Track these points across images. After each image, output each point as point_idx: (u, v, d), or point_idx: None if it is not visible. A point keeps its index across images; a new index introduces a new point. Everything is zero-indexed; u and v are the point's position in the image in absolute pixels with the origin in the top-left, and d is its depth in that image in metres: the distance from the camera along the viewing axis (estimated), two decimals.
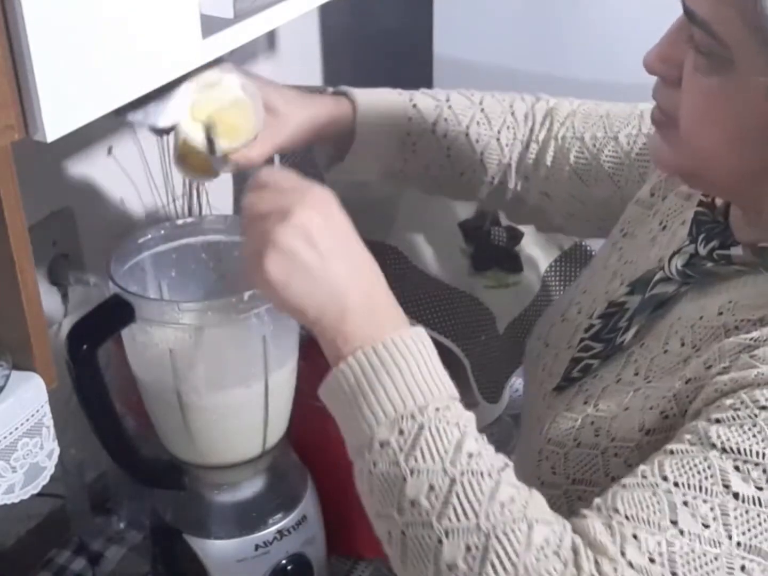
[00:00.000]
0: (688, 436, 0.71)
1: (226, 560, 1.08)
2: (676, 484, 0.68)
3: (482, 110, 1.13)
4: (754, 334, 0.74)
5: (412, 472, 0.71)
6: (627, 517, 0.68)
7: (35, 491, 0.86)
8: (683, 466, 0.69)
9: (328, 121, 1.07)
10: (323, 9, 1.59)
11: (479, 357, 1.33)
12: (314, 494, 1.14)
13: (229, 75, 0.98)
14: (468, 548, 0.68)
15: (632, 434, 0.81)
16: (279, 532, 1.09)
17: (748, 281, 0.81)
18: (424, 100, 1.12)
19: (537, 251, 1.44)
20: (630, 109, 1.10)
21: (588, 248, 1.45)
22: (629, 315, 0.90)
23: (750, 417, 0.68)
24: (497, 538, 0.67)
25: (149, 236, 1.06)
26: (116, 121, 0.89)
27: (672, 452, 0.70)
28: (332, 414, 0.77)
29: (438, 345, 1.27)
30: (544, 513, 0.70)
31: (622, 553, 0.66)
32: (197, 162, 0.99)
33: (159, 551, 1.15)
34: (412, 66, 1.63)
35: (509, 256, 1.40)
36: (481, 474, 0.70)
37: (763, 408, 0.69)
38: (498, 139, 1.13)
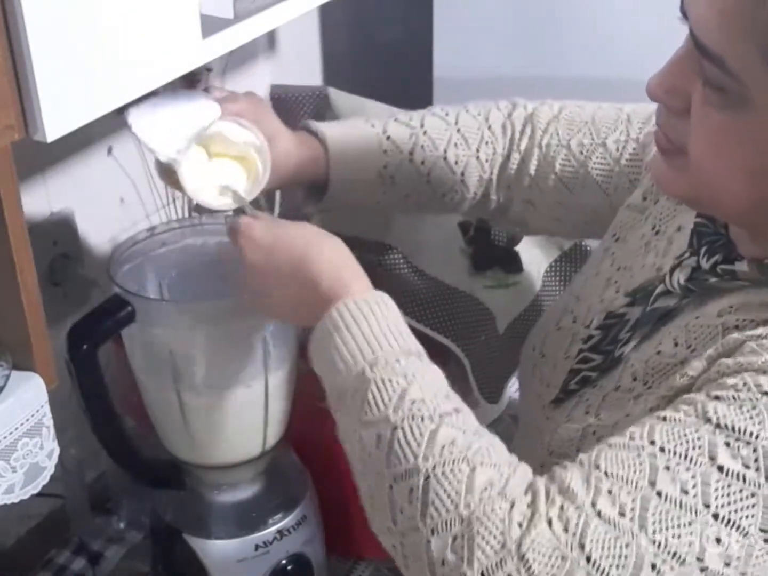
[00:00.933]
0: (684, 407, 0.71)
1: (226, 560, 1.07)
2: (662, 449, 0.68)
3: (458, 130, 1.11)
4: (761, 330, 0.74)
5: (364, 426, 0.75)
6: (606, 474, 0.68)
7: (35, 491, 0.86)
8: (673, 434, 0.69)
9: (305, 168, 1.06)
10: (323, 9, 1.59)
11: (479, 357, 1.33)
12: (314, 494, 1.14)
13: (242, 129, 0.96)
14: (411, 490, 0.70)
15: None
16: (279, 532, 1.09)
17: (750, 291, 0.80)
18: (397, 130, 1.10)
19: (537, 251, 1.44)
20: (616, 112, 1.07)
21: (588, 248, 1.45)
22: (630, 327, 0.89)
23: (750, 400, 0.68)
24: (436, 478, 0.69)
25: (149, 236, 1.06)
26: (116, 121, 0.89)
27: (665, 419, 0.71)
28: (316, 370, 0.83)
29: (438, 345, 1.29)
30: (492, 456, 0.71)
31: (593, 504, 0.67)
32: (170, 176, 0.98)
33: (159, 551, 1.15)
34: (412, 65, 1.63)
35: (509, 256, 1.40)
36: (422, 418, 0.73)
37: (766, 393, 0.68)
38: (477, 157, 1.11)
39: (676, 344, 0.83)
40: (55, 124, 0.72)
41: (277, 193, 1.33)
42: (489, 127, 1.12)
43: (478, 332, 1.34)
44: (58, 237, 1.18)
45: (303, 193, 1.11)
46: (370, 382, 0.75)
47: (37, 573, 1.25)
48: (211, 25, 0.84)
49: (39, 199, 1.16)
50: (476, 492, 0.68)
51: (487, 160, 1.11)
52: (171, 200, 1.28)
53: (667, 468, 0.68)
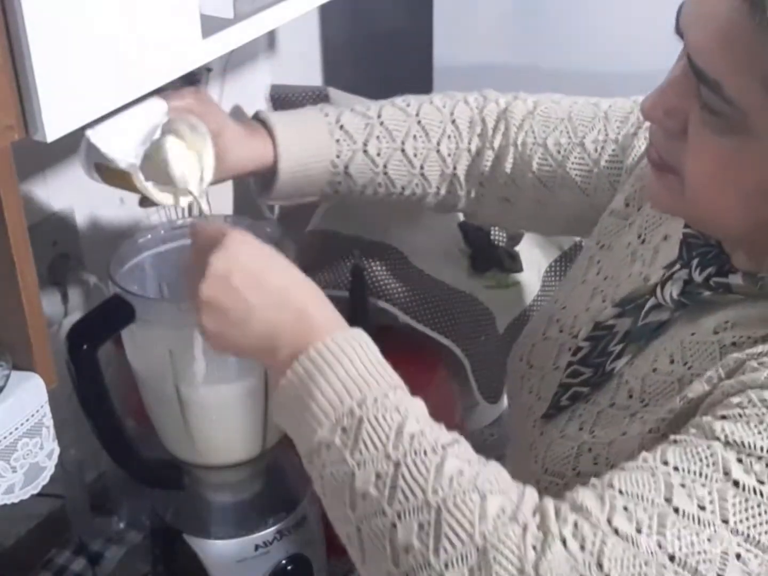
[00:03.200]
0: (692, 430, 0.70)
1: (226, 560, 1.08)
2: (675, 468, 0.68)
3: (419, 122, 1.08)
4: (759, 348, 0.73)
5: (358, 465, 0.71)
6: (621, 492, 0.67)
7: (35, 491, 0.86)
8: (685, 453, 0.68)
9: (258, 166, 1.04)
10: (323, 9, 1.59)
11: (479, 357, 1.33)
12: (314, 494, 1.14)
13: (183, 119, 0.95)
14: (421, 526, 0.67)
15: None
16: (279, 532, 1.09)
17: (747, 305, 0.79)
18: (352, 120, 1.07)
19: (537, 251, 1.44)
20: (592, 110, 1.06)
21: None
22: (619, 339, 0.88)
23: (757, 415, 0.68)
24: (448, 511, 0.67)
25: (149, 236, 1.06)
26: None
27: (675, 441, 0.70)
28: (286, 431, 0.77)
29: (438, 345, 1.29)
30: (499, 483, 0.69)
31: (609, 520, 0.65)
32: (117, 180, 0.97)
33: (159, 551, 1.15)
34: (412, 65, 1.63)
35: (509, 256, 1.40)
36: (425, 452, 0.70)
37: None
38: (438, 151, 1.08)
39: (672, 361, 0.82)
40: (55, 124, 0.73)
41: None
42: (453, 122, 1.09)
43: (478, 332, 1.34)
44: (58, 237, 1.18)
45: (256, 184, 1.09)
46: (362, 420, 0.71)
47: (37, 573, 1.25)
48: (211, 25, 0.84)
49: (39, 199, 1.16)
50: (489, 520, 0.66)
51: (449, 155, 1.09)
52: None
53: (683, 485, 0.67)
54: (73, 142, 0.86)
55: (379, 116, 1.08)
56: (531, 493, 0.69)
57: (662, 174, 0.79)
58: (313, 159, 1.06)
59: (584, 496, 0.68)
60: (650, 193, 0.84)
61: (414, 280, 1.30)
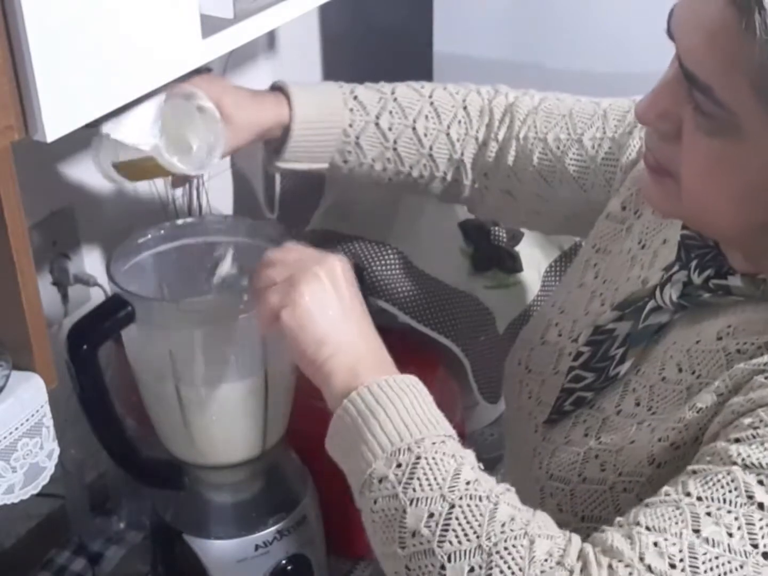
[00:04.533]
0: (708, 457, 0.70)
1: (226, 560, 1.08)
2: (699, 498, 0.68)
3: (431, 104, 1.10)
4: (766, 358, 0.73)
5: (411, 503, 0.71)
6: (648, 528, 0.67)
7: (35, 491, 0.86)
8: (706, 482, 0.68)
9: (272, 124, 1.05)
10: (323, 9, 1.59)
11: (479, 357, 1.33)
12: (314, 494, 1.14)
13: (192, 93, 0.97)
14: (471, 569, 0.68)
15: (641, 468, 0.79)
16: (279, 532, 1.09)
17: (747, 308, 0.79)
18: (366, 93, 1.09)
19: (537, 251, 1.44)
20: (593, 107, 1.07)
21: None
22: (620, 343, 0.88)
23: None
24: (499, 554, 0.68)
25: (149, 236, 1.06)
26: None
27: (694, 472, 0.70)
28: (337, 462, 0.79)
29: (438, 345, 1.29)
30: (547, 529, 0.70)
31: (641, 558, 0.66)
32: (138, 171, 0.99)
33: (159, 551, 1.15)
34: (413, 67, 1.63)
35: (509, 256, 1.40)
36: (480, 498, 0.71)
37: None
38: (448, 134, 1.10)
39: (680, 370, 0.82)
40: (55, 124, 0.73)
41: (277, 177, 1.33)
42: (464, 108, 1.11)
43: (478, 332, 1.34)
44: (58, 237, 1.18)
45: (267, 150, 1.10)
46: (420, 459, 0.73)
47: (37, 573, 1.25)
48: (211, 25, 0.84)
49: (39, 199, 1.16)
50: (537, 564, 0.67)
51: (458, 140, 1.10)
52: (171, 200, 1.28)
53: (708, 514, 0.67)
54: (73, 142, 0.86)
55: (392, 93, 1.10)
56: (576, 540, 0.70)
57: (658, 177, 0.79)
58: (327, 124, 1.07)
59: (613, 537, 0.68)
60: (648, 196, 0.84)
61: (414, 280, 1.30)
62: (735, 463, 0.68)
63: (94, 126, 0.88)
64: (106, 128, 0.90)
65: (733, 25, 0.67)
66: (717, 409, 0.75)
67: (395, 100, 1.09)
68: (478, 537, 0.69)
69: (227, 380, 1.02)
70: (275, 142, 1.07)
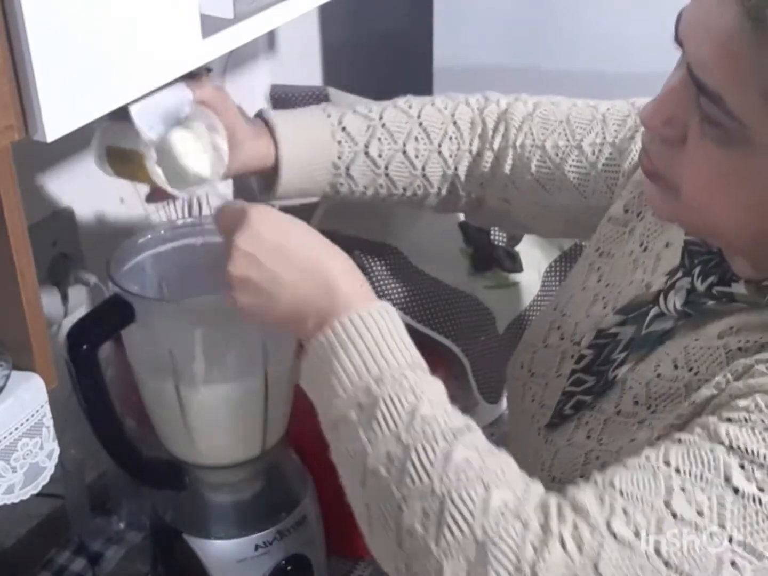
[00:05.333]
0: (698, 429, 0.70)
1: (226, 560, 1.08)
2: (677, 471, 0.68)
3: (420, 124, 1.08)
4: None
5: (371, 444, 0.72)
6: (621, 493, 0.68)
7: (35, 491, 0.86)
8: (688, 455, 0.68)
9: (259, 164, 1.04)
10: (323, 9, 1.59)
11: (479, 357, 1.33)
12: (314, 494, 1.14)
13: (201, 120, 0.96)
14: (425, 512, 0.69)
15: None
16: (279, 532, 1.09)
17: (752, 312, 0.78)
18: (354, 122, 1.07)
19: (537, 251, 1.44)
20: (591, 112, 1.05)
21: None
22: (623, 347, 0.88)
23: (763, 422, 0.68)
24: (452, 501, 0.68)
25: (149, 236, 1.06)
26: None
27: (680, 440, 0.70)
28: (311, 398, 0.80)
29: (438, 345, 1.29)
30: (505, 476, 0.70)
31: (608, 523, 0.66)
32: (125, 167, 0.99)
33: (159, 551, 1.15)
34: (412, 66, 1.63)
35: (509, 256, 1.40)
36: (435, 439, 0.71)
37: None
38: (440, 152, 1.09)
39: (675, 366, 0.81)
40: (55, 124, 0.72)
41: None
42: (455, 123, 1.09)
43: (478, 332, 1.33)
44: (58, 237, 1.18)
45: (259, 183, 1.09)
46: (377, 399, 0.73)
47: (37, 573, 1.25)
48: (211, 25, 0.84)
49: (39, 199, 1.16)
50: (491, 514, 0.67)
51: (451, 156, 1.09)
52: (171, 200, 1.28)
53: (683, 489, 0.67)
54: (74, 142, 0.86)
55: (380, 118, 1.09)
56: (536, 489, 0.70)
57: (658, 185, 0.78)
58: (315, 160, 1.06)
59: (585, 495, 0.68)
60: (650, 201, 0.84)
61: (414, 280, 1.30)
62: (722, 443, 0.68)
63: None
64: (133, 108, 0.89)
65: (745, 37, 0.66)
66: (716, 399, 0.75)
67: (383, 125, 1.08)
68: (431, 480, 0.69)
69: (227, 380, 1.02)
70: (265, 177, 1.07)
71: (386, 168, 1.08)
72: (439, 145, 1.09)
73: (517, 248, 1.41)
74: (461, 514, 0.67)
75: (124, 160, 0.96)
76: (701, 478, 0.67)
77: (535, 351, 1.02)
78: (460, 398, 1.39)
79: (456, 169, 1.10)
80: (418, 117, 1.09)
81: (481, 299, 1.35)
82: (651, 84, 0.80)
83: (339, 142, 1.07)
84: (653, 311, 0.86)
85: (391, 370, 0.75)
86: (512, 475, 0.71)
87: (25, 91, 0.70)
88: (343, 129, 1.07)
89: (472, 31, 1.53)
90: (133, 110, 0.88)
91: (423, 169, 1.09)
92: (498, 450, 0.73)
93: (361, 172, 1.08)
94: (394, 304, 1.27)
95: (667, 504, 0.66)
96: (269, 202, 1.08)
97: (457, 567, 0.67)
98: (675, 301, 0.83)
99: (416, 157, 1.09)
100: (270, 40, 1.50)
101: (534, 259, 1.43)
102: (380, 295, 1.27)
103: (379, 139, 1.08)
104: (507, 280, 1.40)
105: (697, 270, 0.82)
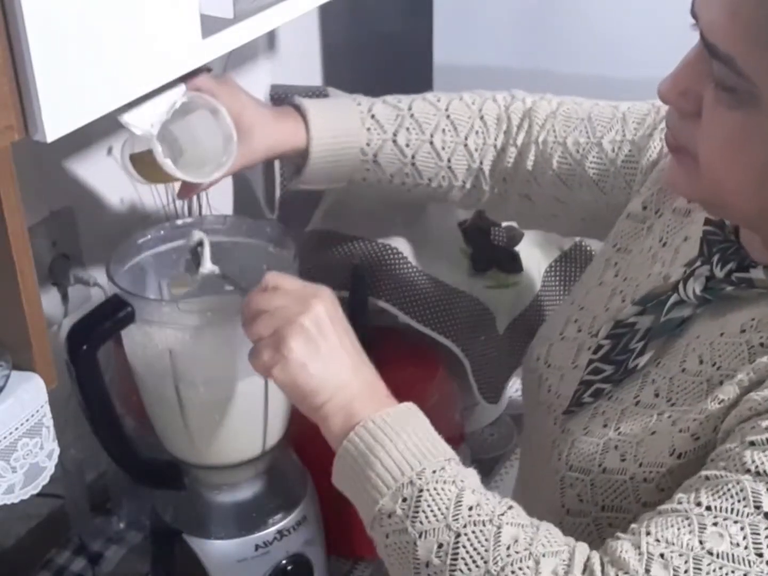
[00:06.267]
0: (722, 463, 0.71)
1: (226, 560, 1.07)
2: (708, 508, 0.69)
3: (448, 116, 1.11)
4: None
5: (420, 535, 0.74)
6: (657, 539, 0.69)
7: (35, 491, 0.86)
8: (717, 491, 0.69)
9: (288, 149, 1.07)
10: (323, 9, 1.59)
11: (479, 357, 1.33)
12: (314, 494, 1.14)
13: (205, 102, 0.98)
14: None
15: (662, 458, 0.80)
16: (279, 532, 1.09)
17: None
18: (383, 110, 1.11)
19: (537, 251, 1.44)
20: (611, 111, 1.08)
21: (588, 248, 1.45)
22: (641, 336, 0.89)
23: None
24: (504, 574, 0.70)
25: (149, 236, 1.06)
26: (116, 121, 0.89)
27: (707, 478, 0.71)
28: (347, 496, 0.81)
29: (438, 345, 1.29)
30: (551, 545, 0.72)
31: (647, 571, 0.68)
32: (149, 170, 1.01)
33: (159, 551, 1.15)
34: (412, 65, 1.63)
35: (509, 256, 1.40)
36: (483, 523, 0.73)
37: None
38: (466, 145, 1.11)
39: (701, 362, 0.82)
40: (55, 124, 0.72)
41: (277, 177, 1.34)
42: (481, 118, 1.12)
43: (478, 332, 1.34)
44: (58, 237, 1.18)
45: (287, 170, 1.12)
46: (422, 490, 0.75)
47: (37, 573, 1.24)
48: (211, 25, 0.84)
49: (39, 199, 1.16)
50: None
51: (476, 150, 1.12)
52: (171, 200, 1.28)
53: (715, 524, 0.68)
54: (73, 142, 0.86)
55: (409, 108, 1.11)
56: (581, 551, 0.72)
57: (679, 156, 0.80)
58: (344, 145, 1.09)
59: (623, 547, 0.70)
60: (670, 179, 0.85)
61: (414, 280, 1.30)
62: (748, 471, 0.69)
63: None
64: (124, 115, 0.91)
65: None
66: (738, 401, 0.75)
67: (412, 116, 1.11)
68: (485, 562, 0.71)
69: (227, 380, 1.02)
70: (293, 162, 1.09)
71: (413, 158, 1.11)
72: (466, 138, 1.11)
73: (517, 248, 1.41)
74: None
75: (144, 164, 1.00)
76: (732, 510, 0.68)
77: (552, 344, 1.03)
78: (460, 398, 1.40)
79: (481, 163, 1.12)
80: (446, 110, 1.12)
81: (481, 299, 1.35)
82: (651, 89, 0.81)
83: (368, 129, 1.09)
84: (672, 298, 0.87)
85: (431, 464, 0.77)
86: (557, 541, 0.73)
87: (25, 91, 0.70)
88: (373, 117, 1.10)
89: (472, 32, 1.53)
90: (124, 117, 0.90)
91: (449, 161, 1.12)
92: (540, 522, 0.75)
93: (388, 160, 1.11)
94: (394, 304, 1.27)
95: (702, 543, 0.68)
96: (297, 187, 1.10)
97: None
98: (694, 287, 0.84)
99: (443, 148, 1.11)
100: (270, 40, 1.50)
101: (534, 259, 1.43)
102: (380, 295, 1.27)
103: (407, 128, 1.10)
104: (507, 280, 1.40)
105: (716, 258, 0.83)
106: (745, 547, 0.67)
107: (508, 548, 0.71)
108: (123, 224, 1.27)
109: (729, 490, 0.69)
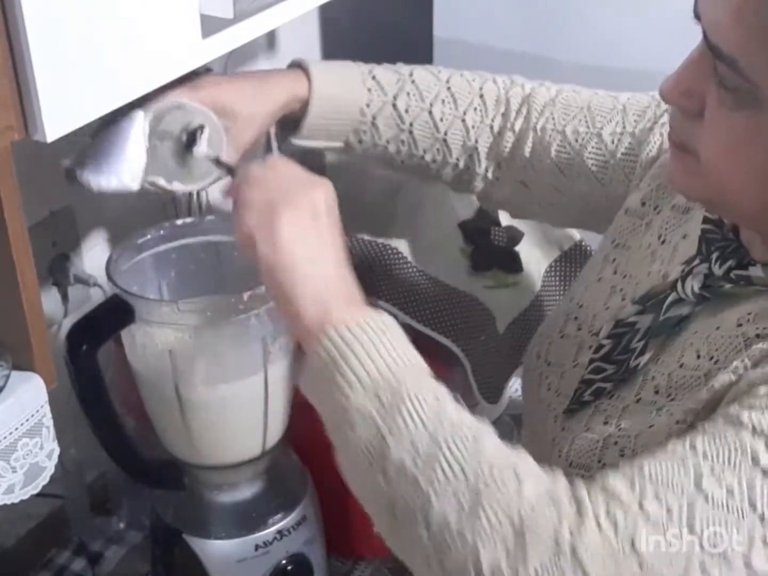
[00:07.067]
0: (720, 419, 0.71)
1: (226, 560, 1.08)
2: (705, 456, 0.69)
3: (448, 88, 1.11)
4: None
5: (395, 439, 0.72)
6: (650, 478, 0.68)
7: (35, 491, 0.86)
8: (714, 441, 0.69)
9: (287, 104, 1.05)
10: (323, 9, 1.59)
11: (479, 357, 1.33)
12: (314, 494, 1.14)
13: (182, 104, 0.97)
14: (460, 504, 0.69)
15: None
16: (279, 532, 1.09)
17: None
18: (385, 73, 1.11)
19: (537, 251, 1.44)
20: (612, 101, 1.07)
21: (588, 248, 1.45)
22: (641, 335, 0.89)
23: None
24: (489, 490, 0.69)
25: (149, 236, 1.06)
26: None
27: (704, 429, 0.71)
28: (311, 400, 0.79)
29: (438, 345, 1.29)
30: (530, 466, 0.72)
31: (640, 504, 0.67)
32: None
33: (159, 551, 1.15)
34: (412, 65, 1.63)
35: (509, 256, 1.39)
36: (465, 435, 0.72)
37: None
38: (464, 120, 1.11)
39: (698, 356, 0.82)
40: (55, 124, 0.73)
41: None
42: (481, 96, 1.12)
43: (478, 332, 1.33)
44: (57, 237, 1.18)
45: (283, 126, 1.09)
46: (403, 396, 0.73)
47: (37, 573, 1.25)
48: (211, 25, 0.84)
49: (39, 199, 1.15)
50: (526, 501, 0.68)
51: (473, 127, 1.11)
52: (171, 200, 1.28)
53: (712, 471, 0.68)
54: (73, 142, 0.86)
55: (411, 75, 1.11)
56: (561, 477, 0.71)
57: (680, 154, 0.80)
58: (345, 101, 1.08)
59: (615, 480, 0.69)
60: (670, 176, 0.85)
61: (414, 280, 1.30)
62: (746, 428, 0.69)
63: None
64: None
65: None
66: (733, 385, 0.75)
67: (413, 82, 1.11)
68: (464, 473, 0.70)
69: (227, 380, 1.02)
70: (291, 118, 1.07)
71: (411, 125, 1.10)
72: (464, 113, 1.11)
73: (517, 248, 1.41)
74: (498, 503, 0.68)
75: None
76: (729, 461, 0.68)
77: (551, 342, 1.03)
78: (460, 398, 1.39)
79: (476, 141, 1.12)
80: (447, 82, 1.12)
81: (481, 299, 1.35)
82: (649, 79, 0.81)
83: (369, 90, 1.09)
84: (671, 297, 0.87)
85: (410, 372, 0.76)
86: (535, 467, 0.72)
87: (25, 91, 0.70)
88: (374, 78, 1.10)
89: (472, 32, 1.53)
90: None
91: (445, 134, 1.11)
92: (511, 446, 0.75)
93: (386, 124, 1.10)
94: (394, 304, 1.27)
95: (698, 486, 0.67)
96: (295, 142, 1.09)
97: (495, 555, 0.67)
98: (693, 285, 0.84)
99: (441, 120, 1.11)
100: (270, 40, 1.50)
101: (534, 259, 1.43)
102: (380, 295, 1.27)
103: (408, 93, 1.10)
104: (507, 280, 1.40)
105: (714, 256, 0.83)
106: (740, 498, 0.67)
107: (490, 465, 0.70)
108: (123, 224, 1.27)
109: (726, 440, 0.69)
